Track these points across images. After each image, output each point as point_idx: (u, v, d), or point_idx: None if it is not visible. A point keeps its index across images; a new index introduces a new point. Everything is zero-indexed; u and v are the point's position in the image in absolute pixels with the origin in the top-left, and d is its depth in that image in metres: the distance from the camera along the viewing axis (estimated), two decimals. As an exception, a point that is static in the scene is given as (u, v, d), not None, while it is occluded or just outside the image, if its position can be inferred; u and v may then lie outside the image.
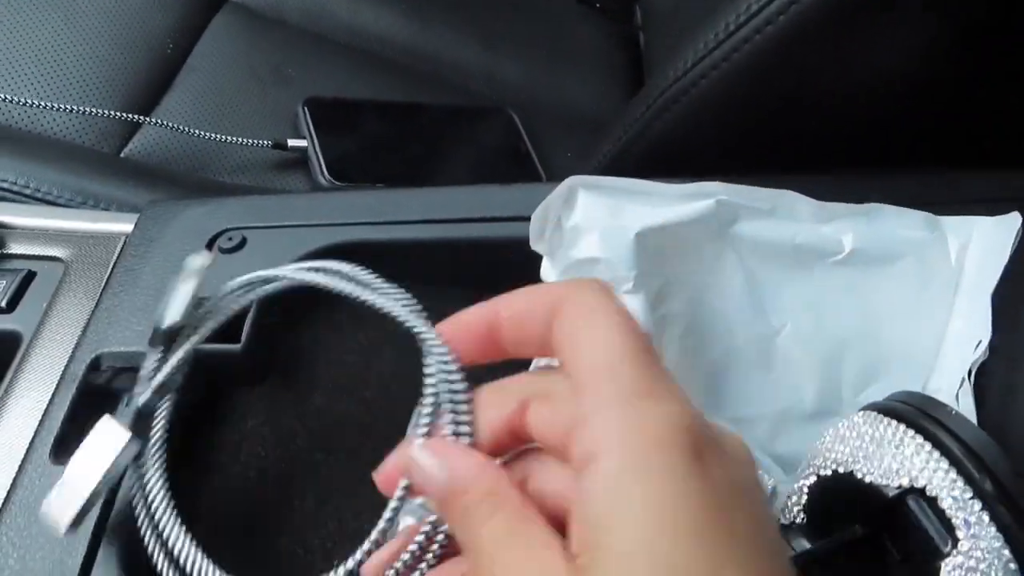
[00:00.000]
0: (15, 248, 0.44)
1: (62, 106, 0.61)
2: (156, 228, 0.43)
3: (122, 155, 0.64)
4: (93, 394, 0.38)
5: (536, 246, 0.38)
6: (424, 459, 0.25)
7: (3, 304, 0.41)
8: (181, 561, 0.29)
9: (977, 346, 0.36)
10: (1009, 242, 0.38)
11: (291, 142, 0.66)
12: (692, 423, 0.23)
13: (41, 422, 0.36)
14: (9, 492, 0.34)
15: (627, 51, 0.87)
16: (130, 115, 0.63)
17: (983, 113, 0.50)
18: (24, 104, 0.61)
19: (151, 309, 0.40)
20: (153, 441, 0.32)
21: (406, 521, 0.28)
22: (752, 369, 0.39)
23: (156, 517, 0.30)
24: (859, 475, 0.31)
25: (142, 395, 0.32)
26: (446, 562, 0.26)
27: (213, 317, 0.34)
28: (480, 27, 0.81)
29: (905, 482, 0.29)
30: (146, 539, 0.30)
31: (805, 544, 0.31)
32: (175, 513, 0.30)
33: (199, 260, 0.32)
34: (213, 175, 0.65)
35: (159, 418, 0.32)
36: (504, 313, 0.27)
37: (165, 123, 0.63)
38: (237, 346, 0.38)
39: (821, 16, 0.42)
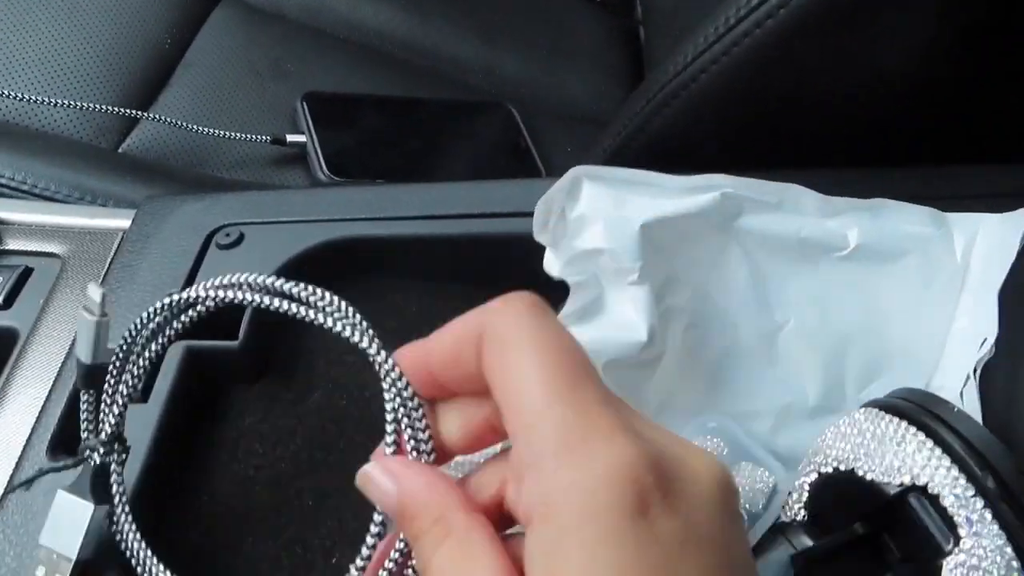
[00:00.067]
0: (12, 244, 0.44)
1: (59, 101, 0.60)
2: (154, 224, 0.43)
3: (120, 150, 0.63)
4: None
5: (539, 237, 0.37)
6: (377, 477, 0.25)
7: (0, 300, 0.41)
8: None
9: (982, 344, 0.36)
10: (1016, 240, 0.38)
11: (290, 137, 0.66)
12: (634, 470, 0.20)
13: (38, 419, 0.36)
14: (5, 489, 0.34)
15: (627, 46, 0.87)
16: (128, 110, 0.63)
17: (983, 113, 0.50)
18: (21, 99, 0.60)
19: (149, 305, 0.39)
20: (116, 502, 0.30)
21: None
22: (755, 364, 0.38)
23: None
24: (860, 472, 0.30)
25: (93, 459, 0.30)
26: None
27: (138, 355, 0.30)
28: (479, 21, 0.81)
29: (907, 480, 0.29)
30: None
31: (806, 542, 0.31)
32: (162, 567, 0.30)
33: (97, 293, 0.29)
34: (211, 171, 0.65)
35: (114, 480, 0.30)
36: (437, 355, 0.25)
37: (163, 119, 0.63)
38: (234, 343, 0.38)
39: (822, 11, 0.42)
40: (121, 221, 0.44)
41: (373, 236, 0.43)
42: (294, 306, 0.27)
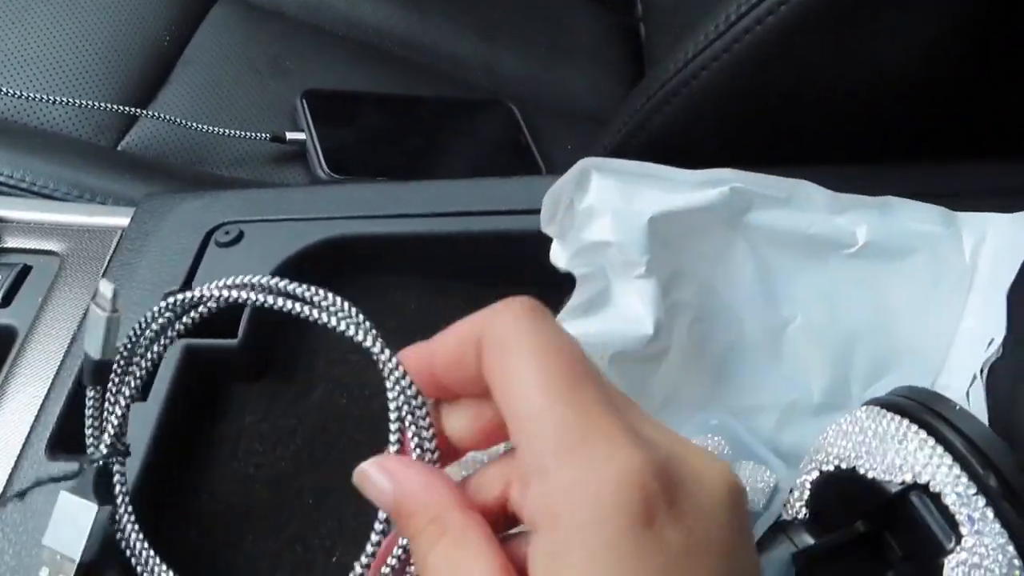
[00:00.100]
0: (10, 242, 0.44)
1: (58, 99, 0.60)
2: (153, 221, 0.43)
3: (119, 148, 0.63)
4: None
5: (547, 229, 0.37)
6: (374, 475, 0.25)
7: (-1, 299, 0.41)
8: None
9: (990, 344, 0.36)
10: None
11: (289, 135, 0.65)
12: (640, 476, 0.20)
13: (37, 418, 0.36)
14: (5, 488, 0.34)
15: (627, 43, 0.87)
16: (127, 108, 0.63)
17: (985, 110, 0.50)
18: (20, 97, 0.60)
19: (148, 303, 0.39)
20: (120, 502, 0.30)
21: None
22: (761, 360, 0.38)
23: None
24: (862, 471, 0.30)
25: (95, 460, 0.30)
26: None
27: (142, 356, 0.31)
28: (479, 18, 0.81)
29: (908, 478, 0.29)
30: None
31: (807, 540, 0.31)
32: (165, 567, 0.30)
33: (109, 288, 0.29)
34: (211, 168, 0.64)
35: (117, 481, 0.31)
36: (440, 357, 0.25)
37: (162, 116, 0.63)
38: (234, 341, 0.38)
39: (823, 7, 0.41)
40: (120, 219, 0.44)
41: (373, 234, 0.43)
42: (297, 305, 0.27)
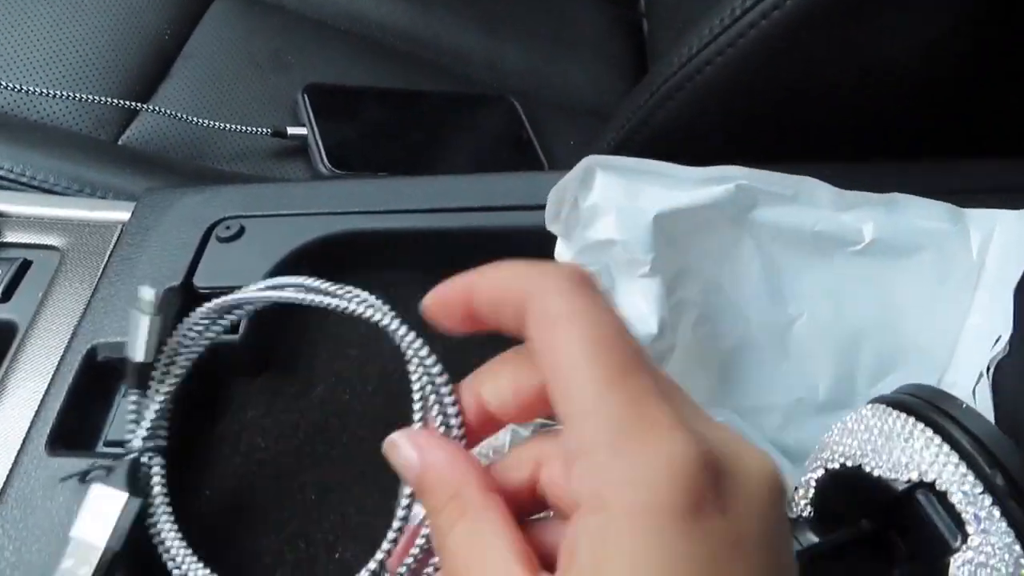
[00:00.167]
0: (10, 236, 0.44)
1: (59, 93, 0.60)
2: (153, 216, 0.43)
3: (119, 142, 0.63)
4: (89, 385, 0.37)
5: (551, 226, 0.37)
6: (403, 446, 0.25)
7: (-1, 293, 0.41)
8: None
9: (996, 341, 0.36)
10: None
11: (290, 130, 0.65)
12: (690, 468, 0.20)
13: (37, 413, 0.36)
14: (5, 484, 0.34)
15: (630, 37, 0.86)
16: (127, 102, 0.62)
17: (989, 106, 0.50)
18: (21, 91, 0.60)
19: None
20: (155, 494, 0.32)
21: None
22: (766, 358, 0.38)
23: (184, 570, 0.31)
24: (867, 469, 0.30)
25: (131, 452, 0.32)
26: None
27: (182, 355, 0.33)
28: (481, 13, 0.80)
29: (914, 476, 0.29)
30: None
31: (812, 538, 0.30)
32: (201, 564, 0.31)
33: (150, 292, 0.32)
34: (211, 163, 0.64)
35: (155, 474, 0.32)
36: (478, 295, 0.25)
37: (163, 110, 0.63)
38: (235, 337, 0.38)
39: (828, 1, 0.41)
40: (121, 213, 0.44)
41: (374, 229, 0.43)
42: (326, 299, 0.30)
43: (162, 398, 0.33)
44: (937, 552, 0.28)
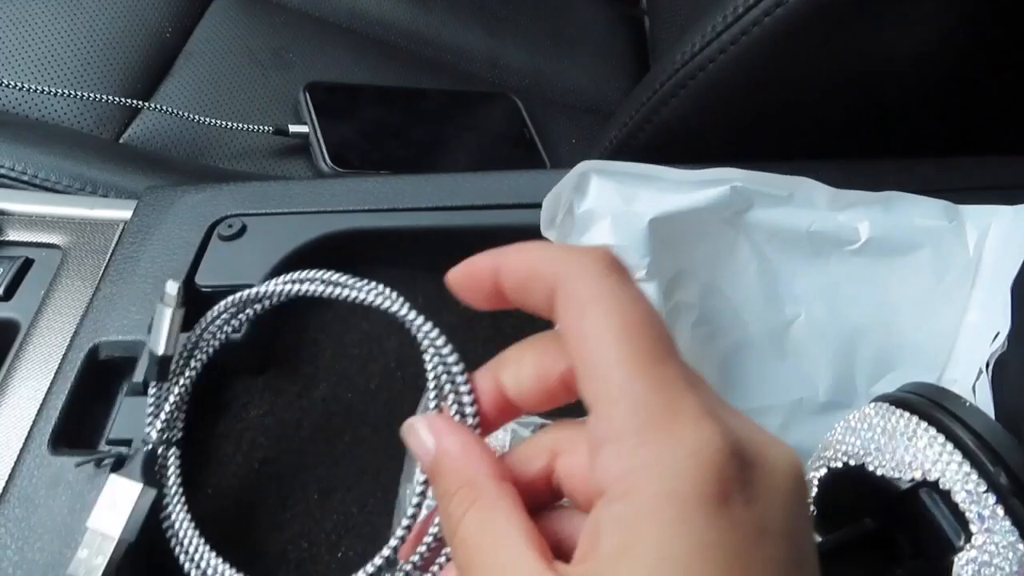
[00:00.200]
0: (12, 235, 0.44)
1: (60, 91, 0.60)
2: (155, 215, 0.43)
3: (121, 141, 0.63)
4: (91, 383, 0.37)
5: (547, 232, 0.37)
6: (421, 430, 0.25)
7: (0, 292, 0.41)
8: None
9: (995, 338, 0.36)
10: None
11: (292, 128, 0.65)
12: (719, 457, 0.20)
13: (39, 412, 0.36)
14: (7, 483, 0.34)
15: (632, 35, 0.86)
16: (129, 100, 0.62)
17: (992, 104, 0.50)
18: (22, 89, 0.60)
19: (150, 297, 0.39)
20: (170, 485, 0.32)
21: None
22: (765, 359, 0.38)
23: (197, 561, 0.31)
24: (871, 467, 0.30)
25: (147, 443, 0.32)
26: None
27: (201, 349, 0.34)
28: (483, 11, 0.80)
29: (918, 475, 0.29)
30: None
31: (815, 537, 0.30)
32: (214, 555, 0.31)
33: (174, 287, 0.32)
34: (213, 161, 0.64)
35: (171, 465, 0.33)
36: (506, 273, 0.24)
37: (164, 109, 0.63)
38: (238, 335, 0.38)
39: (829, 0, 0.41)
40: (122, 212, 0.44)
41: (376, 228, 0.43)
42: (343, 291, 0.30)
43: (179, 391, 0.33)
44: (941, 551, 0.28)
